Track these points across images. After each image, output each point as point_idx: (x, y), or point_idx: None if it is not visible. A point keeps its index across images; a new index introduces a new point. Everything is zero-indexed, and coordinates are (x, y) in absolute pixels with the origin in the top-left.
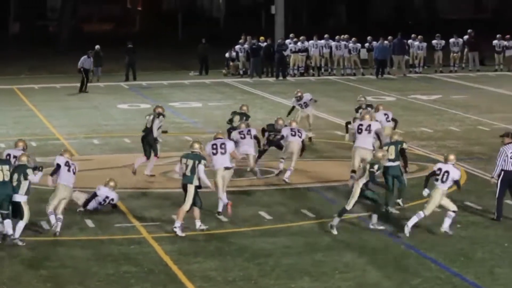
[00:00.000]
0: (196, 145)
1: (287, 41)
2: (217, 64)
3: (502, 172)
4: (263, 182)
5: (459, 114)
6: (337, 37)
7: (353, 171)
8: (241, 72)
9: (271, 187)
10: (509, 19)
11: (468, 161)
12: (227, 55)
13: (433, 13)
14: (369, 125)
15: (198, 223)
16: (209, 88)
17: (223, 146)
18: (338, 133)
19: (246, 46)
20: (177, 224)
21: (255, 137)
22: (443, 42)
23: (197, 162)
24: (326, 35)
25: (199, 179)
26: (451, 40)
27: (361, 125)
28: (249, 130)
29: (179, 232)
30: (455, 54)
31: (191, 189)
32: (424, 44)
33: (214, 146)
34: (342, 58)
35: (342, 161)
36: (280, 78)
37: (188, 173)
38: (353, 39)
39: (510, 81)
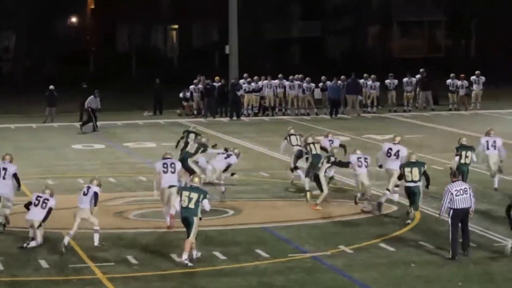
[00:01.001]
0: (196, 179)
1: (241, 81)
2: (171, 104)
3: (451, 211)
4: (219, 222)
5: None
6: (290, 77)
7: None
8: (195, 112)
9: (226, 227)
10: (462, 58)
11: (422, 200)
12: (181, 95)
13: (387, 53)
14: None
15: (194, 253)
16: (163, 128)
17: (172, 165)
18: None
19: (200, 86)
20: (185, 255)
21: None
22: (396, 81)
23: (202, 196)
24: (280, 75)
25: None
26: (404, 79)
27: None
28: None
29: (189, 263)
30: (408, 94)
31: (196, 221)
32: (377, 84)
33: (165, 165)
34: (296, 97)
35: (295, 201)
36: (234, 118)
37: (191, 205)
38: (307, 78)
39: (464, 120)
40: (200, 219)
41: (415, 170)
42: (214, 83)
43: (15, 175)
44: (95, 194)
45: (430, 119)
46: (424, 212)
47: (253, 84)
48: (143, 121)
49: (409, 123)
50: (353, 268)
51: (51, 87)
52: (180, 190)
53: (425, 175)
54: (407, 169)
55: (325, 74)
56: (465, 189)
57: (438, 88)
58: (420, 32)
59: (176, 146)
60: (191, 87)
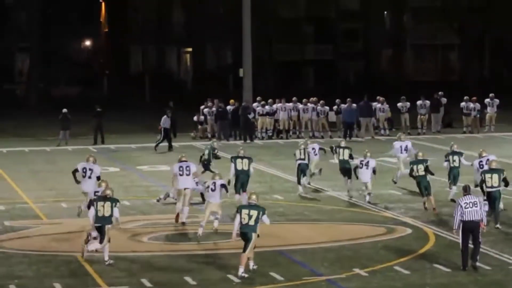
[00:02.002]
0: (254, 197)
1: (255, 104)
2: (185, 127)
3: (461, 223)
4: (231, 245)
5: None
6: (304, 100)
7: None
8: (209, 135)
9: (239, 250)
10: (475, 81)
11: (437, 223)
12: (195, 118)
13: (400, 76)
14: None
15: (251, 264)
16: (177, 151)
17: (188, 168)
18: (307, 195)
19: (214, 109)
20: (241, 269)
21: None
22: (408, 104)
23: (261, 213)
24: (294, 98)
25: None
26: (418, 102)
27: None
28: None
29: (245, 275)
30: (422, 116)
31: (254, 237)
32: (386, 106)
33: (181, 168)
34: (310, 120)
35: (310, 224)
36: (248, 141)
37: (252, 222)
38: (321, 102)
39: (478, 143)
40: (258, 236)
41: (495, 177)
42: (230, 106)
43: (98, 178)
44: (223, 185)
45: (444, 141)
46: (438, 235)
47: (267, 107)
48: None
49: (423, 146)
50: None
51: (65, 110)
52: (240, 208)
53: (504, 181)
54: (487, 175)
55: (339, 97)
56: (475, 202)
57: (451, 111)
58: (433, 55)
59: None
60: (205, 110)
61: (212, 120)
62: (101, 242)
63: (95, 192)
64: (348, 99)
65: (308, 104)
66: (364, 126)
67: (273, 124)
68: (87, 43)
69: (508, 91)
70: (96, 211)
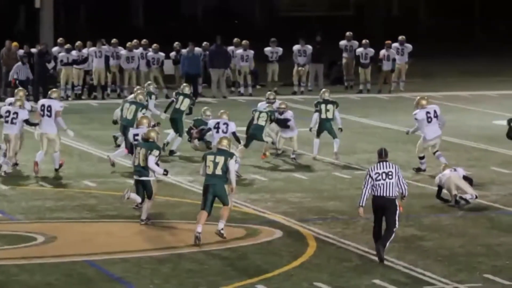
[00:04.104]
0: (225, 142)
1: (55, 48)
2: None
3: (373, 199)
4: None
5: (307, 155)
6: (129, 43)
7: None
8: None
9: (31, 261)
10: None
11: (319, 223)
12: None
13: (270, 9)
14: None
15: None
16: None
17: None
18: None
19: None
20: (222, 224)
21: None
22: (280, 50)
23: (229, 158)
24: (114, 40)
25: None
26: (295, 47)
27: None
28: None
29: (224, 233)
30: (300, 68)
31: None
32: (250, 53)
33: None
34: (137, 72)
35: (134, 222)
36: None
37: (218, 171)
38: (154, 46)
39: (380, 108)
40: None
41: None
42: (21, 51)
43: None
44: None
45: None
46: (322, 240)
47: (74, 52)
48: None
49: (301, 111)
50: None
51: None
52: (205, 155)
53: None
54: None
55: (179, 40)
56: (390, 173)
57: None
58: None
59: None
60: None
61: None
62: (143, 200)
63: (134, 135)
64: (191, 42)
65: (135, 50)
66: (215, 81)
67: (82, 77)
68: None
69: (424, 35)
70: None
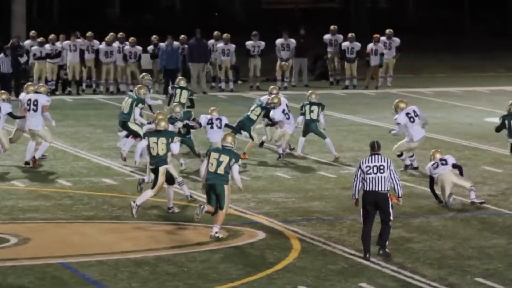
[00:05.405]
0: (230, 139)
1: (28, 42)
2: None
3: (363, 194)
4: None
5: (290, 154)
6: (107, 37)
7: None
8: None
9: (4, 264)
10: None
11: (303, 224)
12: None
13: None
14: None
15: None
16: None
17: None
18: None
19: None
20: (217, 228)
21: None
22: (262, 44)
23: (233, 160)
24: (89, 33)
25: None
26: (278, 41)
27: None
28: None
29: (220, 235)
30: (283, 63)
31: (228, 191)
32: (232, 47)
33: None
34: (114, 67)
35: (111, 223)
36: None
37: (220, 171)
38: (131, 39)
39: (369, 104)
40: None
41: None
42: None
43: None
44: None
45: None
46: (307, 242)
47: (47, 46)
48: None
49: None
50: None
51: None
52: (209, 151)
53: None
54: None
55: (157, 33)
56: (381, 167)
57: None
58: None
59: None
60: None
61: None
62: (153, 187)
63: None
64: (169, 35)
65: (113, 44)
66: (195, 76)
67: (56, 72)
68: None
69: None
70: (149, 149)
